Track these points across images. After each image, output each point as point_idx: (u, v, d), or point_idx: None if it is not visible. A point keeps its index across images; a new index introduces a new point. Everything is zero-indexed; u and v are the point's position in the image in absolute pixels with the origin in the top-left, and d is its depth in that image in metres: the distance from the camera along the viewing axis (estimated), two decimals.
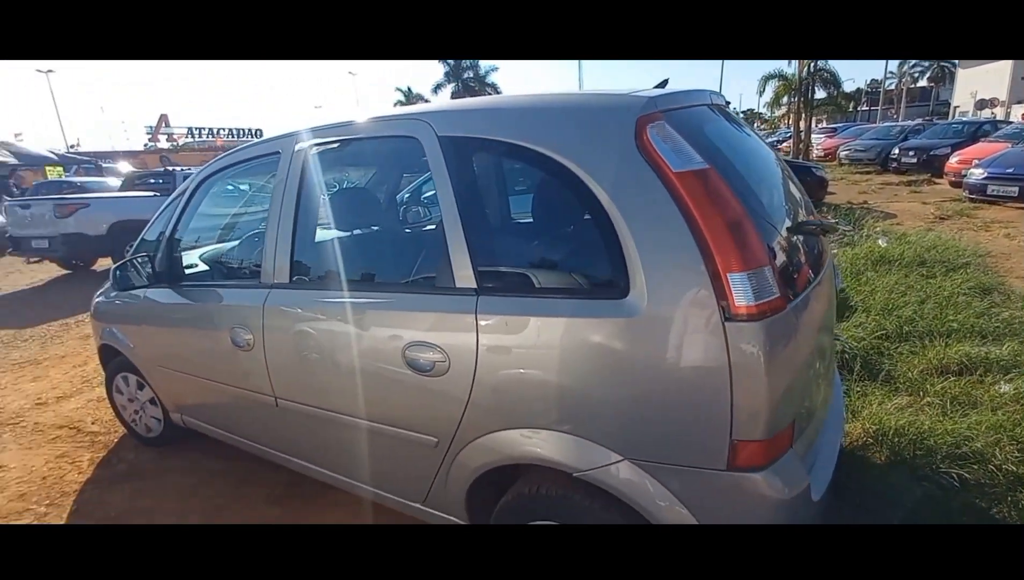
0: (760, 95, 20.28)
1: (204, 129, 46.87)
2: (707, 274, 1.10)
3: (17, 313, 5.93)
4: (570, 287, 1.32)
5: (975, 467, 2.06)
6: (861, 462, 2.19)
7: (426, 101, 37.88)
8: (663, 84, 1.75)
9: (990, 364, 2.72)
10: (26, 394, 3.71)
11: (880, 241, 5.55)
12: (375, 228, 1.96)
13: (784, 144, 23.75)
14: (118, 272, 2.35)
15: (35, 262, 8.22)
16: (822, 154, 19.23)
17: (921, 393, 2.57)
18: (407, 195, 3.43)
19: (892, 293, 3.61)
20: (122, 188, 9.55)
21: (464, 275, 1.41)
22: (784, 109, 20.48)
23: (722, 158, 1.30)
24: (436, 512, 1.70)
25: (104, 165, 18.90)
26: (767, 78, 19.36)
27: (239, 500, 2.40)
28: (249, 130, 49.81)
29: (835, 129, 21.79)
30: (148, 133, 45.73)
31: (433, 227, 2.34)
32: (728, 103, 1.77)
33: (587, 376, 1.24)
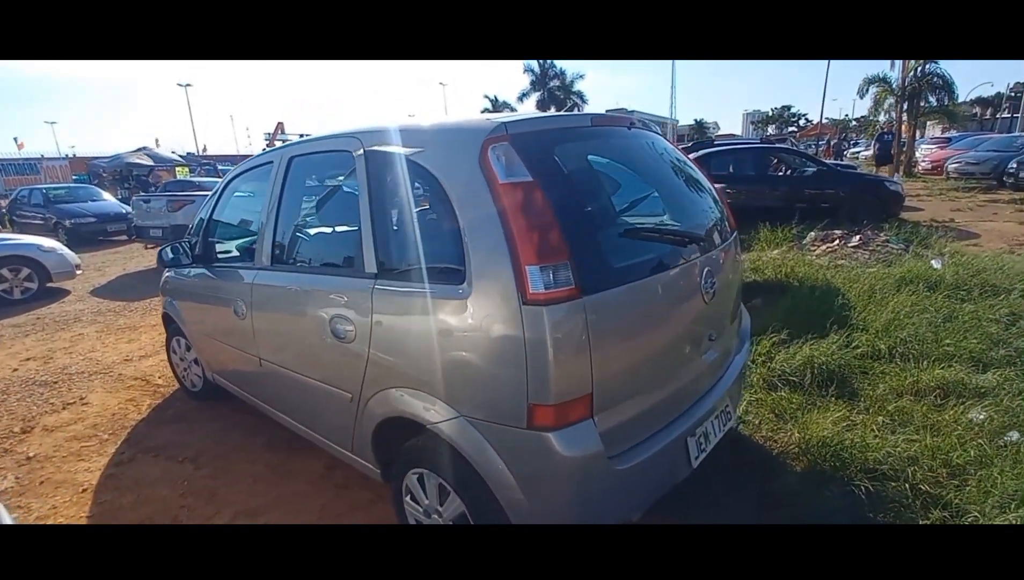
0: (861, 97, 18.48)
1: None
2: (511, 266, 1.36)
3: (133, 288, 7.19)
4: (431, 274, 1.61)
5: (892, 484, 2.06)
6: (778, 466, 2.25)
7: (512, 109, 38.40)
8: (617, 110, 1.99)
9: (965, 390, 2.59)
10: (120, 352, 4.60)
11: (934, 262, 5.15)
12: (321, 226, 2.38)
13: None
14: (165, 252, 2.95)
15: (152, 248, 9.75)
16: (929, 167, 17.37)
17: (873, 411, 2.52)
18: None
19: (899, 314, 3.45)
20: None
21: (369, 261, 1.76)
22: (885, 116, 18.68)
23: (559, 173, 1.54)
24: (359, 459, 2.05)
25: (220, 167, 21.60)
26: (869, 81, 17.77)
27: (248, 445, 2.92)
28: None
29: (948, 140, 19.55)
30: (266, 139, 51.18)
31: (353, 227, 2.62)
32: (632, 124, 1.96)
33: (434, 346, 1.54)
